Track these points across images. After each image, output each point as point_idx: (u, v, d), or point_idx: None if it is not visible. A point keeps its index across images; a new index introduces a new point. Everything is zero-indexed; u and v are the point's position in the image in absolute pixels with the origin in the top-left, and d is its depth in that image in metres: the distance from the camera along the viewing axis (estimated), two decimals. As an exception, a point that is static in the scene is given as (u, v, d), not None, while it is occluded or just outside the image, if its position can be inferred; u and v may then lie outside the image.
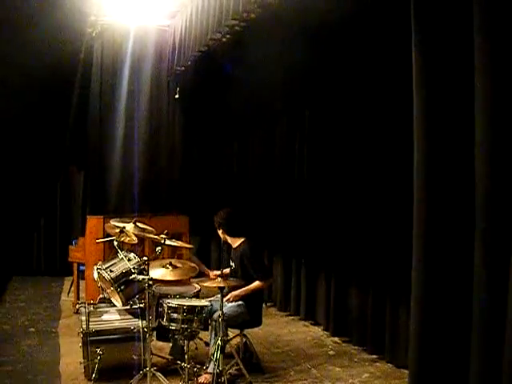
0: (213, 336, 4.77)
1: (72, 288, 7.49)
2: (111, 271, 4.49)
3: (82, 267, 7.17)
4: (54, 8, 6.77)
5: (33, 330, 6.27)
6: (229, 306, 4.91)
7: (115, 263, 4.59)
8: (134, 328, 4.78)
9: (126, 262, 4.54)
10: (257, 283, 4.97)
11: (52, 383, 4.80)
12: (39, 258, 9.46)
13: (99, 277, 4.65)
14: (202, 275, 5.25)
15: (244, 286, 4.92)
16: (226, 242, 5.32)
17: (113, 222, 4.99)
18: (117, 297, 4.54)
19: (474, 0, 3.31)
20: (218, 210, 5.33)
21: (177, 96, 9.47)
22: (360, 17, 5.49)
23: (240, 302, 4.99)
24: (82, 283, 7.11)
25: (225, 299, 4.75)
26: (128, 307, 4.86)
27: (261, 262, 5.26)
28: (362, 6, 5.33)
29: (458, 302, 3.52)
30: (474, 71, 3.33)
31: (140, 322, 4.80)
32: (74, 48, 8.36)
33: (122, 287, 4.48)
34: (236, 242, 5.21)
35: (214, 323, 4.75)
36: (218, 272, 5.05)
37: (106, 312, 4.96)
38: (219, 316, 4.47)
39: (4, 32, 6.39)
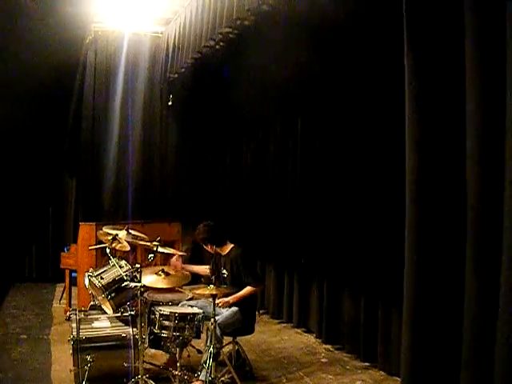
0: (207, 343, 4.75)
1: (64, 295, 7.47)
2: (102, 278, 4.48)
3: (74, 274, 7.16)
4: (54, 10, 6.77)
5: (24, 337, 6.23)
6: (224, 313, 4.89)
7: (106, 270, 4.58)
8: (125, 335, 4.76)
9: (117, 269, 4.53)
10: (248, 289, 4.94)
11: (43, 390, 4.78)
12: (31, 265, 9.39)
13: (90, 284, 4.64)
14: (195, 282, 5.23)
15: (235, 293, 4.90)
16: (216, 252, 5.28)
17: (105, 229, 4.98)
18: (107, 304, 4.52)
19: (465, 5, 3.34)
20: (210, 217, 5.31)
21: (170, 103, 9.50)
22: (353, 28, 5.51)
23: (235, 309, 4.96)
24: (74, 290, 7.09)
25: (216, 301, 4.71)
26: (119, 314, 4.84)
27: (252, 267, 5.22)
28: (355, 16, 5.36)
29: (449, 307, 3.53)
30: (465, 77, 3.35)
31: (131, 329, 4.77)
32: (73, 52, 8.35)
33: (113, 294, 4.46)
34: (225, 250, 5.18)
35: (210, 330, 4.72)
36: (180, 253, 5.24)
37: (97, 319, 4.92)
38: (211, 323, 4.46)
39: (5, 28, 6.38)
